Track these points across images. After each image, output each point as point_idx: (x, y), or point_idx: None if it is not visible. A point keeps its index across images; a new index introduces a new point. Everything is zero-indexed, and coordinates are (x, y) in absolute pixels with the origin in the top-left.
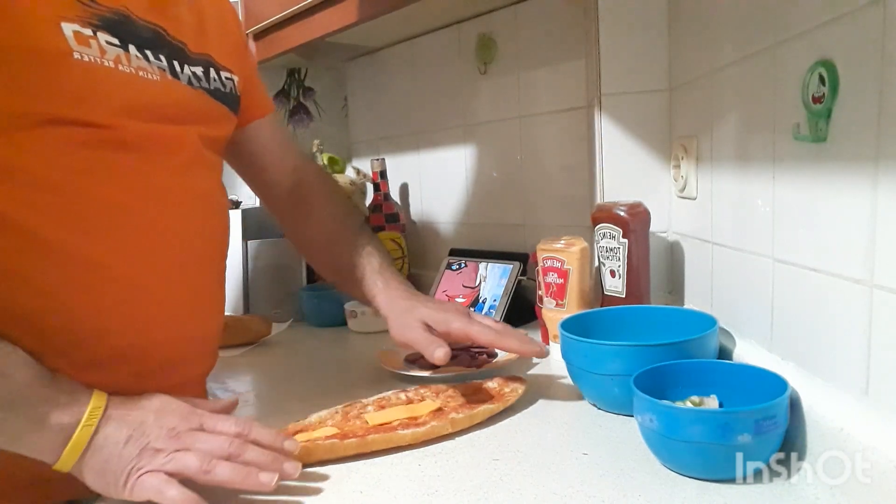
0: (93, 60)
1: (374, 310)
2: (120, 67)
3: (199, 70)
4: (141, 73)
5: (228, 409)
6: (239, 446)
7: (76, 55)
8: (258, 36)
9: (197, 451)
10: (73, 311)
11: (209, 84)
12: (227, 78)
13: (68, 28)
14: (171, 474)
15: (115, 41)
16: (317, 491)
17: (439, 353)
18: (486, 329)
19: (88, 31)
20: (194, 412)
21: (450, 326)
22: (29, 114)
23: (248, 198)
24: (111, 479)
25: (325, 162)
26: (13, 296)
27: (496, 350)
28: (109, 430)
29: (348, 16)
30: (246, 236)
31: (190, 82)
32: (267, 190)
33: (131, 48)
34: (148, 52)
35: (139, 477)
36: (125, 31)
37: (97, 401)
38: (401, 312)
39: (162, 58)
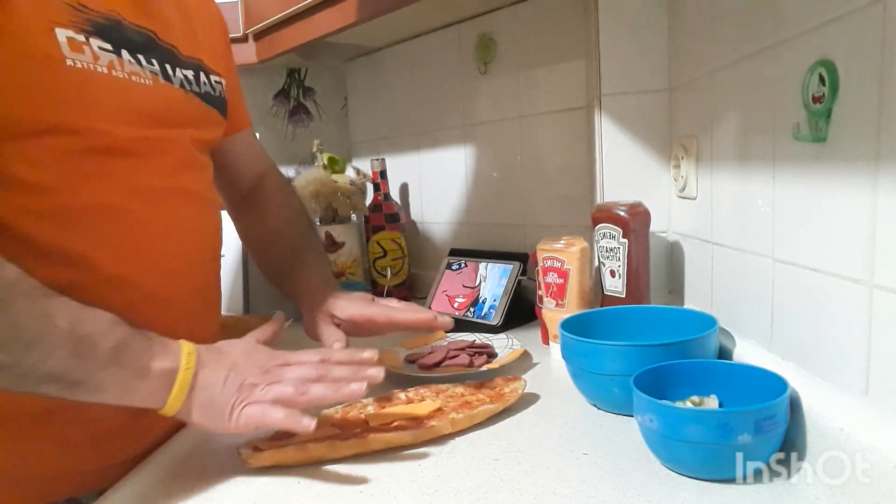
0: (86, 67)
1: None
2: (114, 73)
3: (190, 73)
4: (134, 78)
5: (279, 327)
6: (324, 368)
7: (69, 62)
8: (258, 36)
9: (289, 379)
10: None
11: (199, 88)
12: (216, 82)
13: (62, 34)
14: (271, 402)
15: (108, 46)
16: (317, 491)
17: (336, 346)
18: (384, 308)
19: (81, 37)
20: (277, 351)
21: (350, 313)
22: (24, 122)
23: None
24: (217, 415)
25: (325, 162)
26: None
27: (496, 350)
28: (207, 373)
29: (348, 16)
30: None
31: (182, 85)
32: (226, 193)
33: (124, 53)
34: (140, 57)
35: (242, 409)
36: (118, 36)
37: (188, 347)
38: (311, 308)
39: (154, 62)
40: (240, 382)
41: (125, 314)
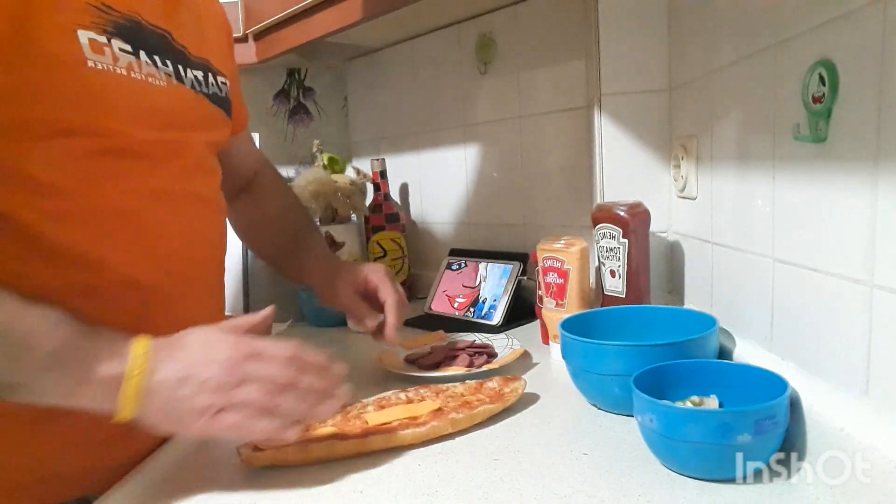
0: (105, 68)
1: (305, 284)
2: (132, 75)
3: (199, 74)
4: (150, 80)
5: (267, 321)
6: (294, 372)
7: (90, 63)
8: (258, 36)
9: (257, 381)
10: (79, 313)
11: (208, 89)
12: (222, 82)
13: (84, 36)
14: (243, 411)
15: (128, 48)
16: (317, 491)
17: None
18: (389, 295)
19: (103, 39)
20: (242, 339)
21: (368, 280)
22: (45, 123)
23: None
24: (178, 419)
25: (325, 162)
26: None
27: (496, 350)
28: (160, 375)
29: (348, 16)
30: None
31: (192, 86)
32: (224, 188)
33: (142, 54)
34: (156, 58)
35: (214, 414)
36: (137, 37)
37: (142, 347)
38: (329, 277)
39: (168, 63)
40: (199, 382)
41: (135, 315)
